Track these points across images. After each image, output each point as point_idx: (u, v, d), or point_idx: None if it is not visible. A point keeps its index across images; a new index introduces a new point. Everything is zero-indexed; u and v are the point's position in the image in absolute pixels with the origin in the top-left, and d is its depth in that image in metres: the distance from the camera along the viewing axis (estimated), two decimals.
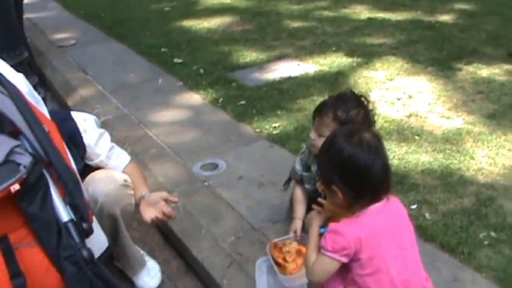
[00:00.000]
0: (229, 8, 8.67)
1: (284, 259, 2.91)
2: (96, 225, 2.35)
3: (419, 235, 3.15)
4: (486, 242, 3.12)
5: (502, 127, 4.41)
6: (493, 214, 3.35)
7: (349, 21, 7.52)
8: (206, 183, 3.91)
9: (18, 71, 2.35)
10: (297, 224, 3.12)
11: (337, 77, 5.56)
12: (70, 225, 1.96)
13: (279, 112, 4.91)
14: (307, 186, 3.17)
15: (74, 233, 1.97)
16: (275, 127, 4.64)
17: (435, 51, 6.09)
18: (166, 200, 2.93)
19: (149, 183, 3.93)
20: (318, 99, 4.96)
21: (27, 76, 2.45)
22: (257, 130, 4.63)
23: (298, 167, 3.20)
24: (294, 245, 2.98)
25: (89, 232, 2.05)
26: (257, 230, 3.39)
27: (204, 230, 3.43)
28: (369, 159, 2.17)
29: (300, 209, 3.17)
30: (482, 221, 3.29)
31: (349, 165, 2.18)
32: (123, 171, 3.03)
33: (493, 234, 3.18)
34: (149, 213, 2.92)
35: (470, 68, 5.59)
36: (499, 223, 3.26)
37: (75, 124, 2.88)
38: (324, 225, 2.39)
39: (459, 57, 5.85)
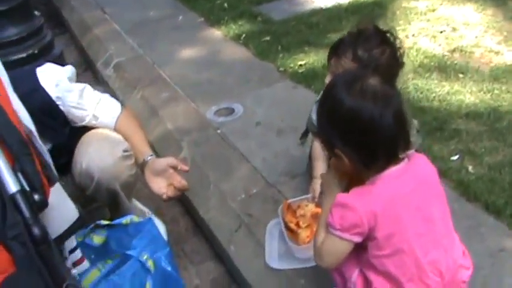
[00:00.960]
0: None
1: (297, 224, 2.46)
2: (59, 193, 1.96)
3: (460, 193, 2.66)
4: None
5: None
6: None
7: None
8: (219, 131, 3.46)
9: None
10: (316, 184, 2.66)
11: (373, 8, 4.95)
12: (18, 197, 1.57)
13: (306, 48, 4.37)
14: None
15: (22, 206, 1.57)
16: (301, 65, 4.12)
17: None
18: (175, 168, 2.50)
19: (157, 131, 3.56)
20: None
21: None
22: (281, 69, 4.12)
23: (314, 117, 2.70)
24: (311, 208, 2.52)
25: (43, 205, 1.65)
26: (272, 186, 2.93)
27: (212, 185, 2.99)
28: (376, 110, 1.67)
29: (319, 167, 2.69)
30: None
31: (352, 121, 1.70)
32: (115, 128, 2.61)
33: None
34: (158, 186, 2.51)
35: None
36: None
37: (46, 94, 2.45)
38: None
39: None
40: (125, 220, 2.33)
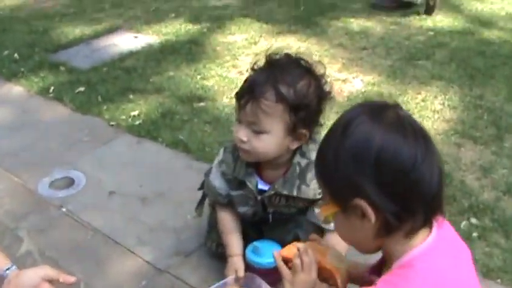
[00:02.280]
0: None
1: None
2: None
3: None
4: None
5: (411, 85, 3.62)
6: None
7: None
8: (64, 209, 2.66)
9: None
10: (237, 263, 2.04)
11: (190, 46, 4.42)
12: None
13: (131, 96, 3.69)
14: (242, 209, 2.08)
15: None
16: (135, 116, 3.44)
17: (292, 9, 5.17)
18: (51, 281, 1.68)
19: None
20: (177, 75, 3.92)
21: None
22: (112, 123, 3.40)
23: (219, 185, 2.09)
24: None
25: None
26: (165, 272, 2.24)
27: (83, 284, 2.21)
28: (419, 149, 1.20)
29: (235, 242, 2.09)
30: None
31: (387, 160, 1.20)
32: None
33: None
34: None
35: (339, 23, 4.74)
36: None
37: None
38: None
39: (321, 13, 4.98)
40: None
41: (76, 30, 4.97)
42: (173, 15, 5.20)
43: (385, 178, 1.20)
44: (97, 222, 2.55)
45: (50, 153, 3.14)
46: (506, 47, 4.15)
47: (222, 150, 2.09)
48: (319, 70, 1.90)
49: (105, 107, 3.57)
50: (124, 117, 3.44)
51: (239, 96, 1.88)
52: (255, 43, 4.42)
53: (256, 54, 4.09)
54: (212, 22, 4.93)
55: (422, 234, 1.27)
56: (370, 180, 1.21)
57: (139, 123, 3.35)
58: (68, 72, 4.12)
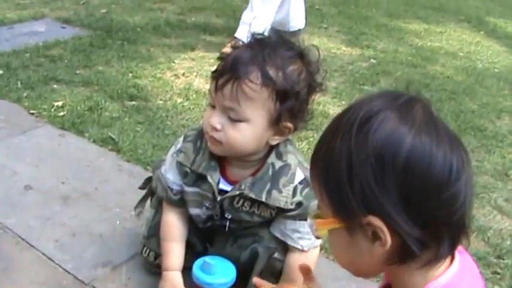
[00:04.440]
0: None
1: None
2: None
3: None
4: None
5: None
6: None
7: None
8: None
9: None
10: (175, 280, 1.69)
11: (123, 43, 4.04)
12: None
13: (55, 86, 3.26)
14: (195, 211, 1.73)
15: None
16: (58, 107, 3.01)
17: (230, 19, 4.87)
18: None
19: None
20: (107, 71, 3.54)
21: None
22: (33, 111, 2.96)
23: (172, 177, 1.73)
24: None
25: None
26: (88, 286, 1.85)
27: None
28: (455, 159, 0.92)
29: (176, 253, 1.74)
30: None
31: (418, 171, 0.91)
32: None
33: None
34: None
35: None
36: None
37: None
38: None
39: None
40: None
41: None
42: (105, 10, 4.79)
43: (413, 193, 0.91)
44: (8, 220, 2.11)
45: None
46: (450, 83, 4.04)
47: (181, 139, 1.74)
48: (313, 55, 1.60)
49: (25, 94, 3.12)
50: (46, 106, 3.00)
51: (217, 74, 1.53)
52: (192, 49, 4.09)
53: (193, 59, 3.83)
54: (146, 22, 4.56)
55: (443, 261, 0.99)
56: (393, 194, 0.91)
57: (63, 115, 2.93)
58: None
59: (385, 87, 3.81)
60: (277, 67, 1.50)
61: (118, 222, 2.13)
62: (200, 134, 1.66)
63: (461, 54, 4.89)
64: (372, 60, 4.32)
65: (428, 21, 5.86)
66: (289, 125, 1.56)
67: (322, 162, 1.01)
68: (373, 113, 0.94)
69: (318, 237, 1.44)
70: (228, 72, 1.50)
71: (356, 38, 4.85)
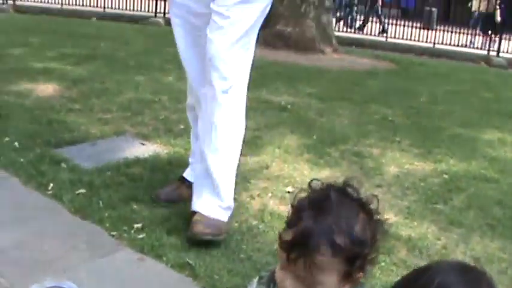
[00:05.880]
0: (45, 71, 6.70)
1: None
2: None
3: None
4: None
5: (430, 230, 3.33)
6: None
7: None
8: None
9: None
10: None
11: None
12: None
13: (135, 207, 3.33)
14: None
15: None
16: (138, 229, 3.08)
17: (304, 136, 4.97)
18: None
19: None
20: None
21: None
22: (113, 233, 3.03)
23: None
24: None
25: None
26: None
27: None
28: None
29: None
30: None
31: None
32: None
33: None
34: None
35: (352, 157, 4.53)
36: None
37: None
38: None
39: (333, 143, 4.80)
40: None
41: (81, 127, 4.69)
42: (182, 126, 4.92)
43: None
44: None
45: (43, 257, 2.74)
46: None
47: (255, 281, 1.75)
48: (371, 202, 1.60)
49: (106, 214, 3.19)
50: (126, 228, 3.06)
51: (287, 248, 1.55)
52: (267, 167, 4.16)
53: (268, 179, 3.87)
54: None
55: None
56: None
57: (143, 238, 2.97)
58: (69, 170, 3.76)
59: (457, 205, 3.76)
60: (344, 232, 1.50)
61: None
62: (273, 277, 1.67)
63: None
64: (445, 176, 4.28)
65: (503, 130, 5.82)
66: (361, 274, 1.56)
67: None
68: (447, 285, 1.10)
69: None
70: (298, 248, 1.51)
71: (428, 152, 4.83)
